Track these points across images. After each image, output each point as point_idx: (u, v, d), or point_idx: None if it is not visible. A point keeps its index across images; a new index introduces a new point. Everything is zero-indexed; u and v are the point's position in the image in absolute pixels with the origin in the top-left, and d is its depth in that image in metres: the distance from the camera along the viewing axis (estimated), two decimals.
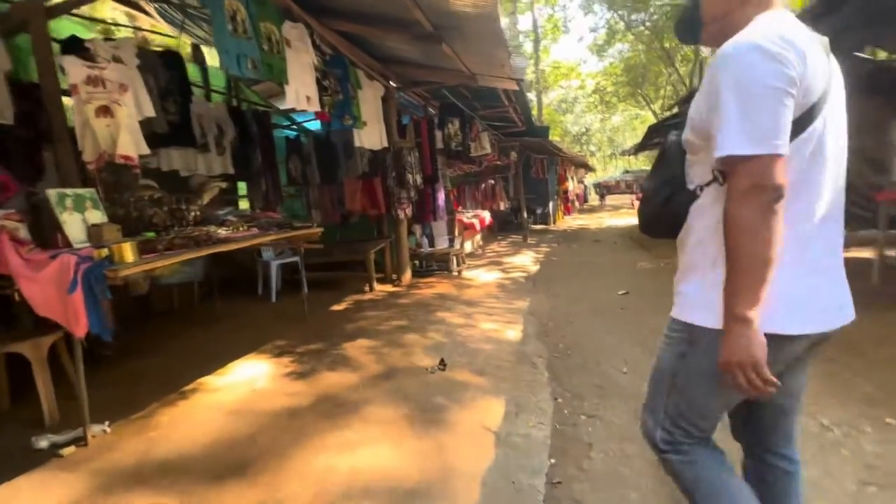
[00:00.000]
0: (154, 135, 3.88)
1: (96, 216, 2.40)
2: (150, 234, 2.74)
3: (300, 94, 3.39)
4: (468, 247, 8.40)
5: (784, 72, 0.82)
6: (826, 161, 0.91)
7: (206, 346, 3.64)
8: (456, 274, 6.52)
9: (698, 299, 1.00)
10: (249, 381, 2.94)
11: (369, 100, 4.96)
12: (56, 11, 2.80)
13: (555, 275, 6.42)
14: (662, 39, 18.53)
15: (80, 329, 1.99)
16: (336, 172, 6.04)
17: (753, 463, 1.19)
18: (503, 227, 12.93)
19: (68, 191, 2.31)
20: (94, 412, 2.27)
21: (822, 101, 0.87)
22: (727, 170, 0.88)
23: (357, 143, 4.88)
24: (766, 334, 0.87)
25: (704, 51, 14.79)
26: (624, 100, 28.69)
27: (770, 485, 1.14)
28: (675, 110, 9.26)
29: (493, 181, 11.92)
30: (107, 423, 2.33)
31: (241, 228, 3.38)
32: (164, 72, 3.94)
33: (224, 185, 4.40)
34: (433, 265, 7.08)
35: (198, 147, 4.48)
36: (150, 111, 2.95)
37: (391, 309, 4.60)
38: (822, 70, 0.87)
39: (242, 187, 6.07)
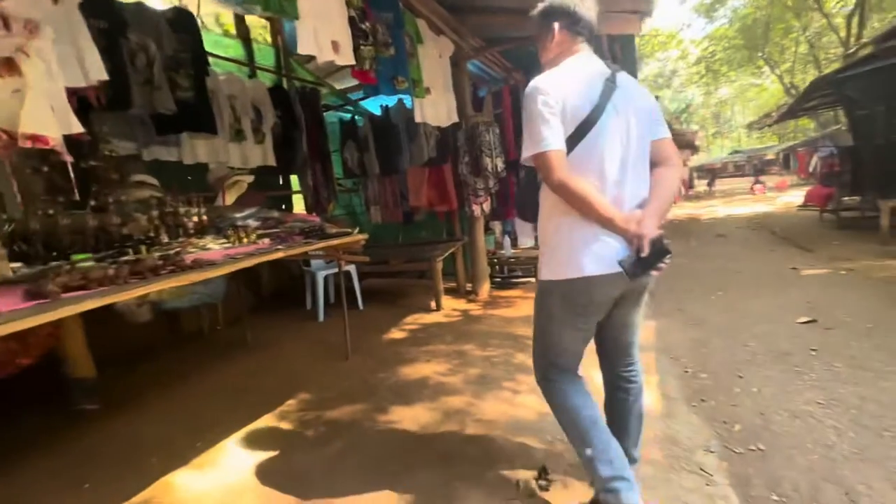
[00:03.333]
0: (161, 118, 3.05)
1: None
2: (82, 258, 1.79)
3: (321, 36, 2.26)
4: None
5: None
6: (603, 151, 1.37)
7: (211, 398, 2.71)
8: None
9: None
10: (244, 470, 1.90)
11: (434, 60, 3.75)
12: None
13: (683, 286, 4.73)
14: None
15: None
16: (398, 160, 4.94)
17: (607, 387, 1.71)
18: None
19: None
20: None
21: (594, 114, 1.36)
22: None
23: (418, 118, 3.69)
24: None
25: None
26: (738, 67, 24.43)
27: (619, 401, 1.66)
28: (866, 51, 6.83)
29: None
30: None
31: (245, 240, 2.36)
32: (171, 36, 3.06)
33: (249, 178, 3.46)
34: (517, 271, 5.74)
35: (218, 133, 3.60)
36: (98, 73, 1.99)
37: (462, 341, 3.38)
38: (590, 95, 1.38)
39: (297, 182, 5.24)
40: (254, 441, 2.20)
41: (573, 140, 1.36)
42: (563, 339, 1.54)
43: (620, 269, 1.31)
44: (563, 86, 1.36)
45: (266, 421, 2.38)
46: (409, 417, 2.31)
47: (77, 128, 1.74)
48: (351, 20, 2.48)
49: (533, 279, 5.33)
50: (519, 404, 2.37)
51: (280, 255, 2.15)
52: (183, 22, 3.13)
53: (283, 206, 5.48)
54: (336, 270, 4.29)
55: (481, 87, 6.07)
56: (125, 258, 1.85)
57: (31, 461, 2.05)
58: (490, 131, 4.28)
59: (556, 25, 1.48)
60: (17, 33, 1.63)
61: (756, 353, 2.93)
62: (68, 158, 1.74)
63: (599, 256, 1.36)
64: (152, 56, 2.93)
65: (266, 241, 2.42)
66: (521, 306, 4.25)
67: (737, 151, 32.58)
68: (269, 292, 5.09)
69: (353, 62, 2.47)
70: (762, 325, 3.43)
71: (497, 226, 6.03)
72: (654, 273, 1.35)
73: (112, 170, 3.24)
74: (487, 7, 3.95)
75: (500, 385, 2.60)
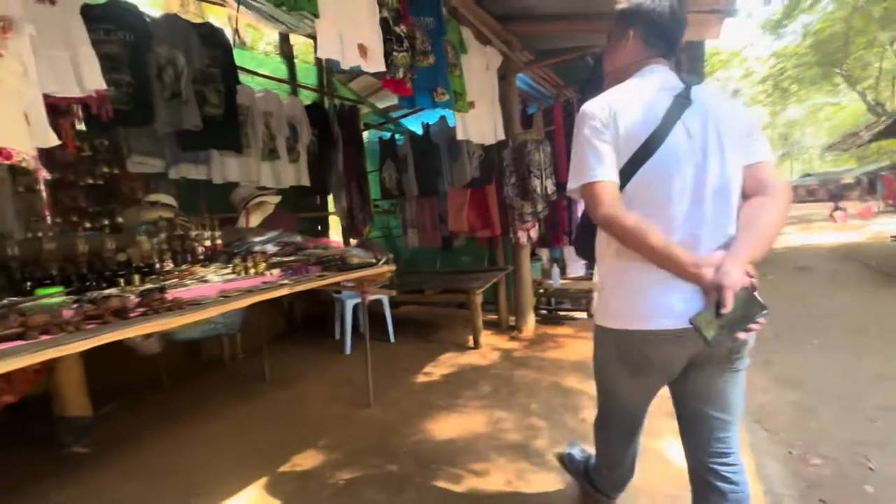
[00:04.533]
0: (185, 133, 2.87)
1: None
2: (48, 293, 1.52)
3: (346, 38, 1.95)
4: None
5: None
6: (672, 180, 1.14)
7: (212, 446, 2.39)
8: None
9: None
10: None
11: (479, 72, 3.40)
12: None
13: (767, 329, 3.96)
14: None
15: None
16: (437, 181, 4.60)
17: (695, 485, 1.34)
18: None
19: None
20: None
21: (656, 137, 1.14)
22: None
23: (460, 135, 3.33)
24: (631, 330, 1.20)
25: None
26: (811, 84, 22.55)
27: None
28: None
29: None
30: None
31: (252, 270, 2.05)
32: (202, 50, 2.91)
33: (275, 199, 3.21)
34: (565, 303, 5.17)
35: (248, 151, 3.42)
36: (94, 82, 1.76)
37: (502, 392, 2.89)
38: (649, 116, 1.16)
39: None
40: None
41: (629, 169, 1.16)
42: (619, 390, 1.40)
43: (690, 327, 1.04)
44: (617, 107, 1.18)
45: (264, 483, 2.00)
46: (430, 498, 1.86)
47: (54, 140, 1.49)
48: (383, 21, 2.17)
49: (584, 314, 4.75)
50: (570, 496, 1.85)
51: (282, 292, 1.80)
52: (215, 37, 2.98)
53: (320, 228, 5.28)
54: (370, 298, 3.96)
55: (531, 104, 5.69)
56: (103, 293, 1.57)
57: None
58: (540, 149, 3.85)
59: (632, 33, 1.27)
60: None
61: (889, 433, 2.24)
62: (44, 175, 1.49)
63: (662, 307, 1.14)
64: (180, 70, 2.77)
65: (276, 272, 2.09)
66: (571, 348, 3.69)
67: (808, 175, 29.97)
68: (301, 318, 4.84)
69: (382, 68, 2.15)
70: (890, 390, 2.69)
71: (544, 253, 5.52)
72: (741, 336, 1.04)
73: (139, 188, 3.12)
74: (542, 14, 3.57)
75: (543, 460, 2.09)
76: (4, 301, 1.36)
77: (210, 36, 2.94)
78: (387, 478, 2.00)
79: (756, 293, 1.06)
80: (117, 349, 1.98)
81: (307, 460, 2.18)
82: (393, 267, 2.51)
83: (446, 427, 2.44)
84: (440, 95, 2.75)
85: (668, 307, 1.13)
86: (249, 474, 2.06)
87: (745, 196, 1.19)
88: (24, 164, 1.33)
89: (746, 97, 28.51)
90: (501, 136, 3.73)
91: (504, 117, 3.77)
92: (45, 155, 2.11)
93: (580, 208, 4.53)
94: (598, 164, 1.16)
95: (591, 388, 2.84)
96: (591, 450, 1.91)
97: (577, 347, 3.68)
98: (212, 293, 1.67)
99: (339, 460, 2.17)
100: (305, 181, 4.00)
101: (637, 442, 1.53)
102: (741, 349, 1.21)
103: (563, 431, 2.33)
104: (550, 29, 3.75)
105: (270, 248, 2.61)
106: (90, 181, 2.39)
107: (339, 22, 1.92)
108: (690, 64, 4.65)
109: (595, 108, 1.19)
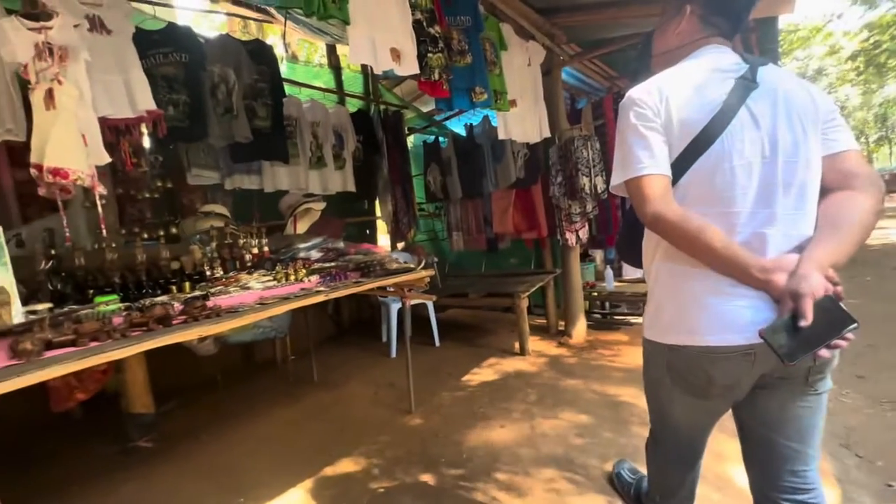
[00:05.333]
0: (236, 146, 3.02)
1: None
2: (107, 300, 1.62)
3: (379, 44, 1.94)
4: None
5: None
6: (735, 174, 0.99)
7: (261, 448, 2.47)
8: None
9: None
10: None
11: (520, 69, 3.28)
12: None
13: (860, 339, 3.46)
14: None
15: None
16: (481, 183, 4.52)
17: None
18: None
19: None
20: None
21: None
22: None
23: (502, 135, 3.23)
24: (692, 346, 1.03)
25: None
26: None
27: None
28: None
29: None
30: None
31: (292, 277, 2.10)
32: (251, 66, 3.05)
33: (321, 206, 3.29)
34: (620, 307, 4.89)
35: (296, 160, 3.54)
36: (146, 103, 1.88)
37: (547, 402, 2.75)
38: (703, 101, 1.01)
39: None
40: None
41: (683, 161, 1.02)
42: (674, 414, 1.21)
43: (761, 342, 0.90)
44: (669, 92, 1.04)
45: (308, 486, 2.04)
46: None
47: (106, 159, 1.60)
48: (416, 24, 2.14)
49: (640, 319, 4.45)
50: None
51: (317, 299, 1.82)
52: (262, 53, 3.11)
53: (367, 232, 5.39)
54: (414, 302, 3.96)
55: (579, 98, 5.45)
56: (153, 300, 1.66)
57: None
58: (589, 146, 3.65)
59: (689, 8, 1.12)
60: (55, 62, 1.54)
61: None
62: (101, 190, 1.61)
63: (724, 319, 0.98)
64: (231, 86, 2.92)
65: (314, 278, 2.13)
66: (624, 356, 3.46)
67: None
68: (349, 321, 4.96)
69: (416, 71, 2.11)
70: None
71: (598, 254, 5.26)
72: (823, 354, 0.89)
73: (198, 200, 3.33)
74: (588, 3, 3.38)
75: (589, 477, 1.95)
76: (65, 309, 1.48)
77: (258, 52, 3.08)
78: (425, 488, 1.96)
79: (841, 303, 0.89)
80: (177, 351, 2.11)
81: (349, 465, 2.19)
82: (432, 271, 2.47)
83: (488, 437, 2.36)
84: (478, 95, 2.67)
85: (730, 319, 0.98)
86: (295, 476, 2.11)
87: (826, 190, 1.02)
88: (79, 182, 1.43)
89: (832, 77, 25.64)
90: (546, 134, 3.58)
91: (549, 114, 3.62)
92: (111, 172, 2.31)
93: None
94: (645, 155, 1.02)
95: (644, 401, 2.64)
96: (644, 470, 1.76)
97: (633, 355, 3.45)
98: (251, 300, 1.72)
99: (379, 466, 2.16)
100: (351, 187, 4.09)
101: (696, 470, 1.34)
102: (823, 368, 1.03)
103: (611, 448, 2.16)
104: (598, 18, 3.54)
105: (314, 255, 2.67)
106: (150, 195, 2.56)
107: (370, 27, 1.91)
108: (761, 44, 4.22)
109: (642, 93, 1.06)
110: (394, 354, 3.83)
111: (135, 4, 2.72)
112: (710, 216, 0.99)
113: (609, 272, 4.64)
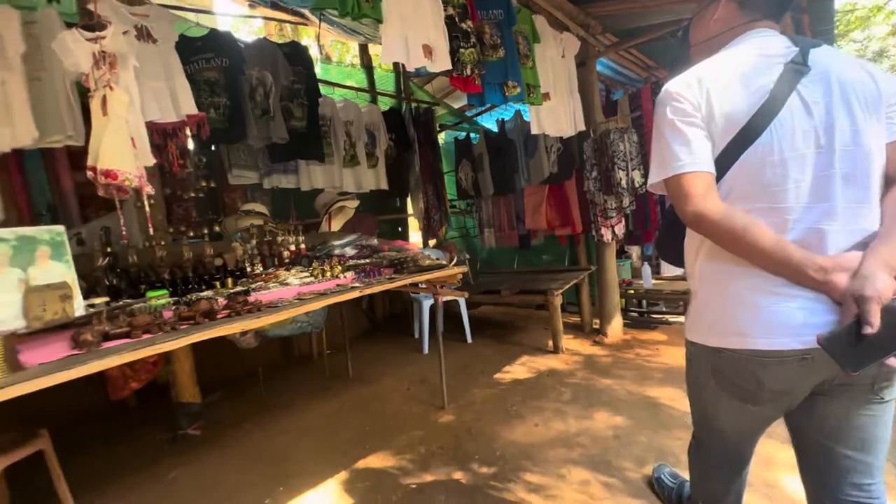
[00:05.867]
0: (273, 146, 3.12)
1: (51, 271, 1.44)
2: (157, 294, 1.71)
3: (411, 41, 1.94)
4: None
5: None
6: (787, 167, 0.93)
7: (301, 439, 2.55)
8: None
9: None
10: None
11: (554, 61, 3.21)
12: None
13: None
14: None
15: None
16: (513, 178, 4.47)
17: None
18: None
19: (5, 232, 1.40)
20: None
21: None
22: None
23: (535, 129, 3.18)
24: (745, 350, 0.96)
25: None
26: None
27: None
28: None
29: None
30: None
31: (328, 273, 2.15)
32: (288, 68, 3.13)
33: (354, 204, 3.35)
34: (659, 305, 4.73)
35: (329, 159, 3.62)
36: (188, 107, 1.96)
37: (582, 400, 2.70)
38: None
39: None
40: (325, 501, 1.92)
41: (728, 156, 0.96)
42: (720, 419, 1.14)
43: (819, 347, 0.83)
44: (710, 83, 0.97)
45: (343, 478, 2.09)
46: None
47: (152, 160, 1.69)
48: (449, 19, 2.13)
49: (682, 317, 4.29)
50: None
51: (353, 295, 1.85)
52: (298, 54, 3.19)
53: (400, 229, 5.45)
54: (446, 299, 3.98)
55: (615, 90, 5.30)
56: (198, 295, 1.74)
57: (116, 495, 2.06)
58: (626, 139, 3.54)
59: None
60: (108, 69, 1.63)
61: None
62: (149, 190, 1.70)
63: (777, 321, 0.92)
64: (269, 88, 3.01)
65: (349, 275, 2.17)
66: (662, 356, 3.34)
67: None
68: (382, 316, 5.04)
69: (448, 66, 2.11)
70: None
71: (634, 250, 5.10)
72: (892, 363, 0.81)
73: (238, 199, 3.46)
74: None
75: (625, 480, 1.89)
76: (120, 303, 1.57)
77: (294, 54, 3.16)
78: (458, 485, 1.97)
79: None
80: (221, 344, 2.21)
81: (383, 458, 2.23)
82: (465, 268, 2.47)
83: (521, 435, 2.34)
84: (511, 89, 2.64)
85: (782, 321, 0.91)
86: (332, 467, 2.17)
87: (892, 181, 0.94)
88: (126, 183, 1.52)
89: (895, 58, 23.74)
90: (581, 128, 3.50)
91: (583, 106, 3.53)
92: (160, 173, 2.43)
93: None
94: (684, 152, 0.96)
95: (685, 403, 2.54)
96: (685, 475, 1.70)
97: (672, 356, 3.33)
98: (289, 296, 1.77)
99: (413, 461, 2.18)
100: (384, 184, 4.14)
101: (743, 477, 1.27)
102: (891, 376, 0.95)
103: (649, 451, 2.10)
104: (635, 6, 3.42)
105: (349, 251, 2.73)
106: (195, 194, 2.68)
107: (403, 25, 1.92)
108: (814, 26, 3.96)
109: (679, 86, 1.00)
110: (426, 350, 3.86)
111: (178, 13, 2.86)
112: (758, 212, 0.93)
113: (647, 269, 4.49)
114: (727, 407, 1.09)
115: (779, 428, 1.18)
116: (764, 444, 1.19)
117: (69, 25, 2.09)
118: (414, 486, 1.99)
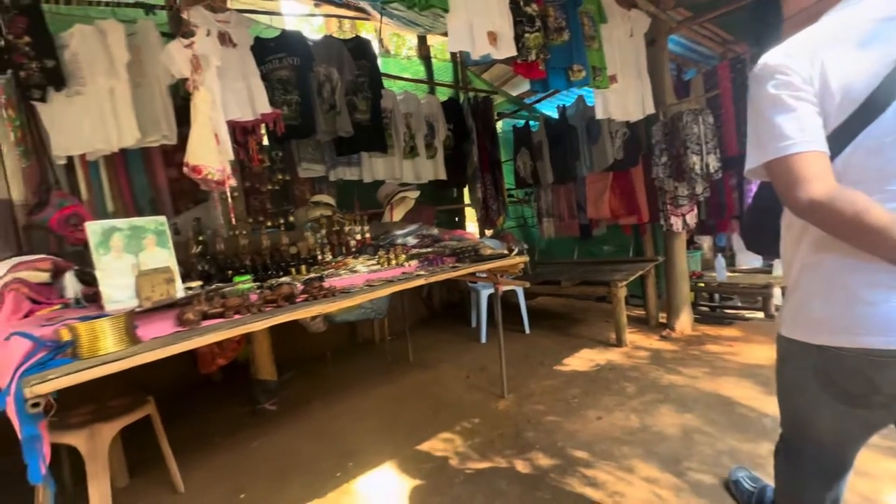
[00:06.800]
0: (339, 139, 3.24)
1: (156, 257, 1.61)
2: (243, 279, 1.86)
3: (476, 28, 1.93)
4: None
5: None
6: None
7: (365, 419, 2.68)
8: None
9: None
10: None
11: (621, 41, 3.06)
12: None
13: None
14: None
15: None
16: (574, 166, 4.33)
17: None
18: None
19: (120, 222, 1.58)
20: None
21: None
22: None
23: (600, 114, 3.06)
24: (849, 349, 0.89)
25: None
26: None
27: None
28: None
29: None
30: None
31: (394, 261, 2.22)
32: (352, 63, 3.23)
33: (415, 194, 3.41)
34: (733, 300, 4.41)
35: (393, 151, 3.70)
36: (262, 106, 2.09)
37: (648, 395, 2.59)
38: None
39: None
40: (391, 478, 2.02)
41: (844, 134, 0.86)
42: (819, 423, 1.05)
43: None
44: (822, 54, 0.86)
45: (405, 457, 2.18)
46: (566, 501, 1.77)
47: (232, 155, 1.83)
48: (513, 4, 2.10)
49: (760, 313, 3.98)
50: None
51: (419, 282, 1.91)
52: (361, 49, 3.28)
53: (457, 219, 5.48)
54: (505, 289, 3.97)
55: (688, 69, 4.94)
56: (279, 280, 1.87)
57: (206, 459, 2.29)
58: (700, 121, 3.30)
59: None
60: (195, 71, 1.77)
61: None
62: (232, 182, 1.84)
63: (893, 318, 0.84)
64: (335, 84, 3.13)
65: (413, 263, 2.23)
66: (738, 353, 3.13)
67: None
68: (440, 305, 5.12)
69: (513, 53, 2.08)
70: None
71: (705, 241, 4.77)
72: None
73: (307, 191, 3.64)
74: None
75: (696, 481, 1.81)
76: (213, 286, 1.73)
77: (358, 49, 3.25)
78: (518, 474, 1.98)
79: None
80: (294, 328, 2.37)
81: (445, 442, 2.29)
82: (525, 258, 2.45)
83: (583, 427, 2.31)
84: (576, 73, 2.55)
85: None
86: (396, 447, 2.27)
87: None
88: (209, 177, 1.66)
89: None
90: (650, 110, 3.31)
91: (653, 88, 3.33)
92: (240, 167, 2.62)
93: (753, 187, 3.77)
94: (794, 129, 0.86)
95: (763, 403, 2.39)
96: (767, 480, 1.59)
97: (748, 353, 3.10)
98: (359, 282, 1.86)
99: (474, 446, 2.23)
100: (442, 175, 4.18)
101: (840, 487, 1.15)
102: None
103: (723, 453, 1.98)
104: None
105: (411, 241, 2.79)
106: (271, 187, 2.87)
107: (468, 12, 1.92)
108: None
109: (783, 57, 0.89)
110: (484, 339, 3.88)
111: (252, 16, 3.03)
112: (877, 200, 0.82)
113: (720, 261, 4.19)
114: (829, 411, 1.00)
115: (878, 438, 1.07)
116: (861, 453, 1.09)
117: (163, 34, 2.31)
118: (475, 470, 2.03)
